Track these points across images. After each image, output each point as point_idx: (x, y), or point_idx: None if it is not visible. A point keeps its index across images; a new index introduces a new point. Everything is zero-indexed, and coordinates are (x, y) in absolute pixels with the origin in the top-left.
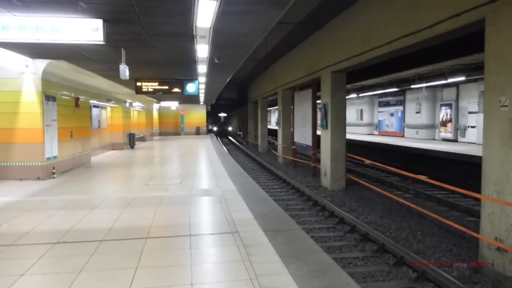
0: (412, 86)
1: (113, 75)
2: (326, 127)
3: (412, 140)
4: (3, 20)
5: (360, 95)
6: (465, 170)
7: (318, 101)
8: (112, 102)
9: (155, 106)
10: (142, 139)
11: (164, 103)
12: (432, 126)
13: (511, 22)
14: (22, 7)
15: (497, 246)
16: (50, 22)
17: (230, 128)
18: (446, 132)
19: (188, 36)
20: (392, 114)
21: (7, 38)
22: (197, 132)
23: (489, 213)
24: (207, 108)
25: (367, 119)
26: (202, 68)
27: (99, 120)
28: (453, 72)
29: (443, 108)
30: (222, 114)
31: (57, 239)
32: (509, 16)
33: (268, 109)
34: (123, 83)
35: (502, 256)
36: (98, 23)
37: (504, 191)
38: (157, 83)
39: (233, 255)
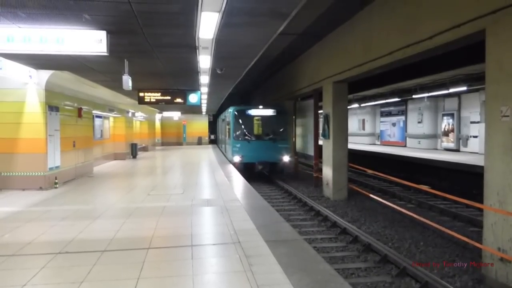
0: (414, 96)
1: (116, 85)
2: (328, 137)
3: (414, 150)
4: (8, 31)
5: (362, 105)
6: (467, 180)
7: (320, 111)
8: (115, 112)
9: (158, 116)
10: (144, 149)
11: (166, 113)
12: (434, 136)
13: (511, 33)
14: (27, 19)
15: (500, 256)
16: (54, 33)
17: (285, 158)
18: (448, 142)
19: (190, 47)
20: (394, 124)
21: (12, 50)
22: (199, 142)
23: (491, 223)
24: (209, 118)
25: (369, 129)
26: (204, 79)
27: (101, 130)
28: (455, 82)
29: (445, 118)
30: (261, 112)
31: (59, 249)
32: (510, 26)
33: None
34: (126, 93)
35: (505, 267)
36: (102, 34)
37: (506, 201)
38: (159, 94)
39: (235, 265)
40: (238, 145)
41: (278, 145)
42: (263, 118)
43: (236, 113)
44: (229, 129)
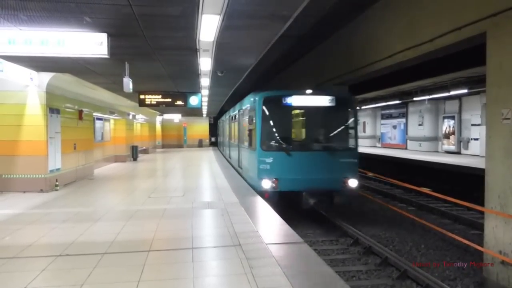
0: (415, 99)
1: (117, 88)
2: None
3: (415, 153)
4: (9, 34)
5: (363, 107)
6: (468, 183)
7: None
8: (116, 114)
9: (158, 119)
10: (145, 151)
11: (167, 116)
12: (435, 139)
13: None
14: (28, 21)
15: (502, 259)
16: (55, 36)
17: (353, 182)
18: (449, 145)
19: (191, 49)
20: (394, 127)
21: (13, 52)
22: (200, 144)
23: (492, 226)
24: (209, 120)
25: (370, 132)
26: (205, 81)
27: (102, 133)
28: (456, 85)
29: (445, 120)
30: (310, 101)
31: (60, 251)
32: (510, 29)
33: None
34: (127, 95)
35: (507, 270)
36: (103, 37)
37: (507, 204)
38: (160, 96)
39: (236, 268)
40: (270, 160)
41: (340, 159)
42: (314, 112)
43: (266, 102)
44: (250, 131)
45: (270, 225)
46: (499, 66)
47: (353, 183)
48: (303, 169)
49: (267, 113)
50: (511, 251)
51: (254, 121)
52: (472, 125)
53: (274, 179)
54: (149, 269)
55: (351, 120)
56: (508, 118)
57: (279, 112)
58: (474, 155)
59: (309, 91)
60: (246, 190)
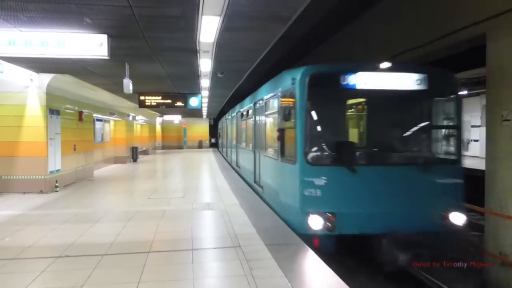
0: None
1: (117, 89)
2: None
3: None
4: (9, 35)
5: None
6: (468, 184)
7: None
8: (115, 115)
9: (158, 120)
10: (145, 152)
11: (167, 117)
12: None
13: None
14: (28, 22)
15: (502, 261)
16: (56, 37)
17: (457, 217)
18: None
19: (191, 51)
20: None
21: (13, 53)
22: (200, 145)
23: (493, 228)
24: (209, 122)
25: None
26: (205, 82)
27: (102, 134)
28: None
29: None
30: (387, 80)
31: (60, 253)
32: (510, 31)
33: None
34: (127, 96)
35: (507, 272)
36: (103, 38)
37: (507, 205)
38: (160, 97)
39: (236, 269)
40: (321, 182)
41: (437, 179)
42: (393, 100)
43: (314, 83)
44: (283, 131)
45: (270, 226)
46: (499, 67)
47: (458, 219)
48: (379, 197)
49: (315, 101)
50: (511, 252)
51: (292, 115)
52: (472, 126)
53: (329, 215)
54: (149, 270)
55: (453, 113)
56: (508, 120)
57: (336, 100)
58: (474, 156)
59: (385, 64)
60: (246, 192)
